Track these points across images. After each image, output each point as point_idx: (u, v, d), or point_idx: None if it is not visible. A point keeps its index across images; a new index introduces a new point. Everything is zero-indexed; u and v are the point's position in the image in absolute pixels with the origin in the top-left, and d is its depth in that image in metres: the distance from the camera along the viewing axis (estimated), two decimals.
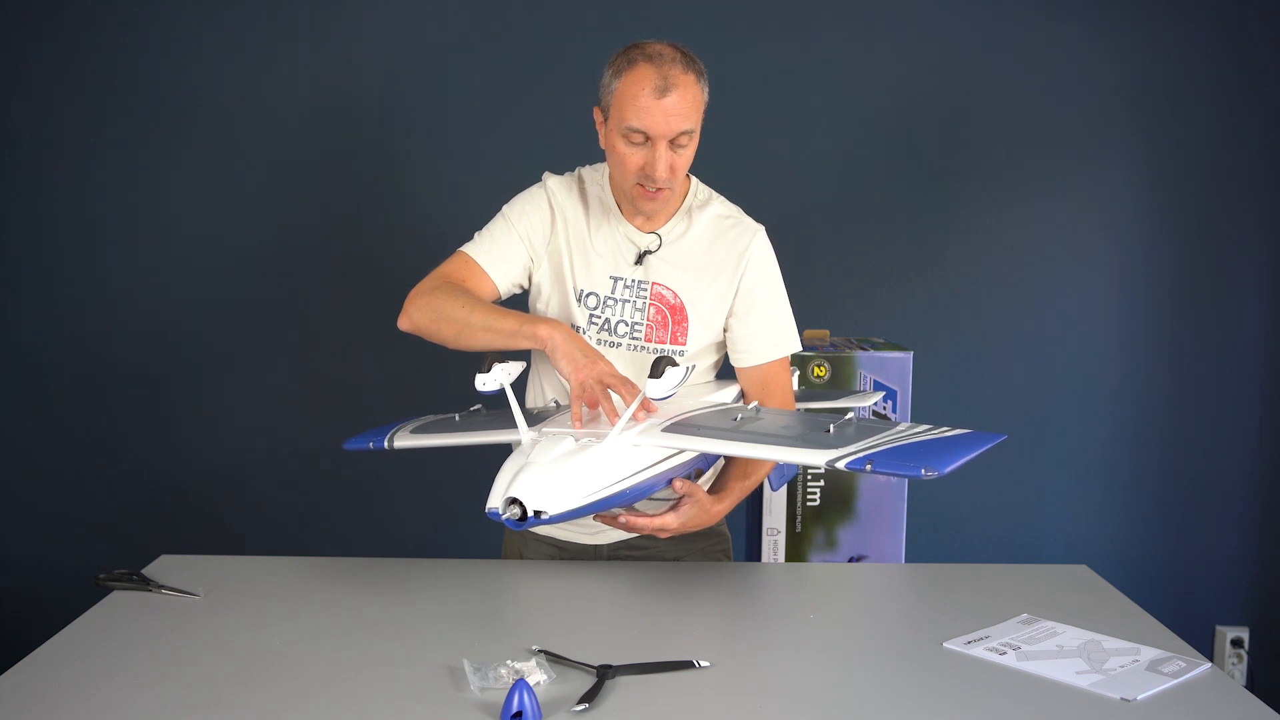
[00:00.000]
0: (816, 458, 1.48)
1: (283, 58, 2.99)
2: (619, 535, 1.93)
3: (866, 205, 3.09)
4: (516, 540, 2.01)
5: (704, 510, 1.76)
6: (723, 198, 1.93)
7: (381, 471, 3.02)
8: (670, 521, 1.72)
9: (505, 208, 1.90)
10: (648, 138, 1.72)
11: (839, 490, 2.63)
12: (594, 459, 1.53)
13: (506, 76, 3.00)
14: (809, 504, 2.63)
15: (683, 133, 1.73)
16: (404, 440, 1.80)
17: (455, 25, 2.99)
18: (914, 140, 3.08)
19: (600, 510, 1.57)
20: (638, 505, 1.69)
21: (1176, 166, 3.08)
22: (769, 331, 1.89)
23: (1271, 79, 3.06)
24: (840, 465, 1.45)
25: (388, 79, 3.01)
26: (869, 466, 1.43)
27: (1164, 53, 3.05)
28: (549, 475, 1.50)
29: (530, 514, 1.48)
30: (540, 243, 1.87)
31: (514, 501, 1.49)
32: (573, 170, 1.93)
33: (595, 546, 1.96)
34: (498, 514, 1.49)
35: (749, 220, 1.91)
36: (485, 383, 1.62)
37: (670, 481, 1.67)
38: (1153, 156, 3.08)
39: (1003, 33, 3.04)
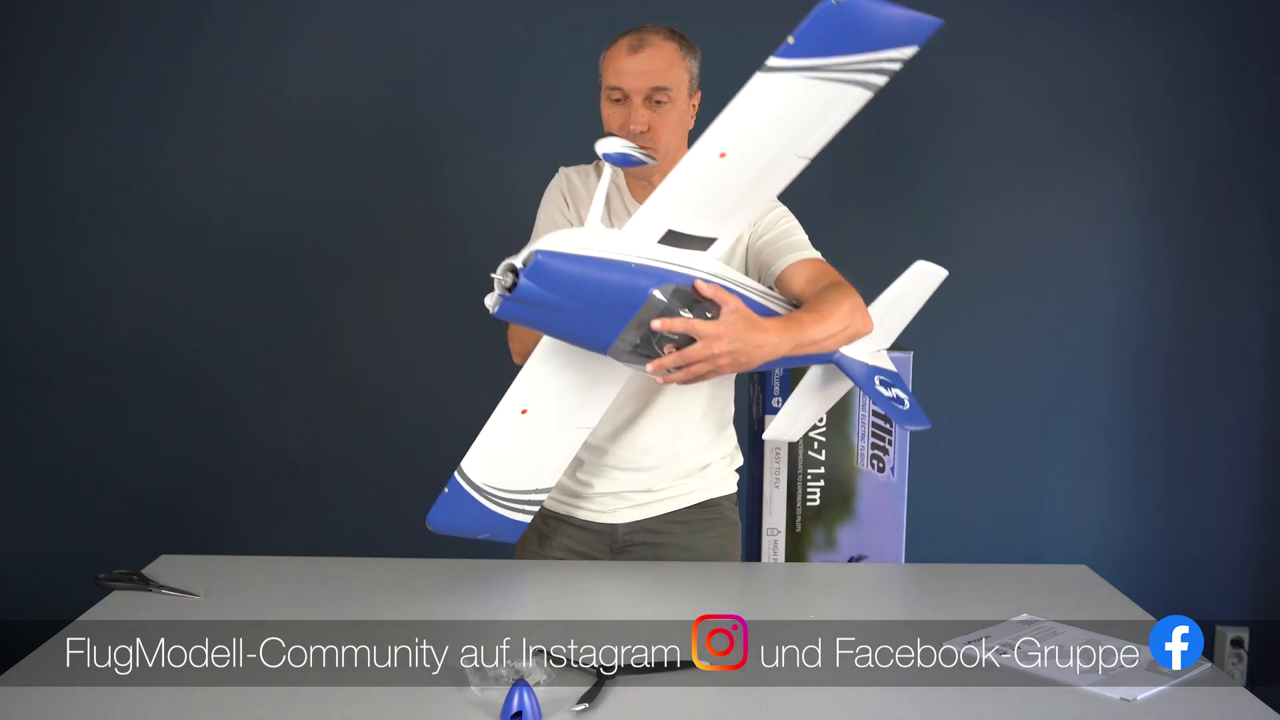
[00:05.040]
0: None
1: (286, 47, 2.98)
2: (635, 515, 1.95)
3: (866, 205, 3.08)
4: (534, 540, 2.00)
5: (751, 322, 1.56)
6: None
7: (382, 472, 3.02)
8: (713, 327, 1.52)
9: (538, 214, 1.95)
10: (625, 95, 1.78)
11: (839, 490, 2.63)
12: (601, 233, 1.55)
13: (519, 70, 2.99)
14: (809, 504, 2.63)
15: (656, 88, 1.77)
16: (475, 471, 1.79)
17: (471, 16, 2.99)
18: (914, 139, 3.07)
19: (602, 273, 1.52)
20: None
21: (1178, 166, 3.08)
22: (800, 236, 1.89)
23: (1275, 78, 3.06)
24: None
25: (398, 71, 3.00)
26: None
27: (1168, 51, 3.04)
28: (549, 237, 1.52)
29: (521, 264, 1.48)
30: None
31: (509, 270, 1.49)
32: (591, 162, 1.96)
33: (613, 526, 1.96)
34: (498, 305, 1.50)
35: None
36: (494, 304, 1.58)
37: (693, 283, 1.58)
38: (1154, 156, 3.08)
39: (1004, 31, 3.04)
